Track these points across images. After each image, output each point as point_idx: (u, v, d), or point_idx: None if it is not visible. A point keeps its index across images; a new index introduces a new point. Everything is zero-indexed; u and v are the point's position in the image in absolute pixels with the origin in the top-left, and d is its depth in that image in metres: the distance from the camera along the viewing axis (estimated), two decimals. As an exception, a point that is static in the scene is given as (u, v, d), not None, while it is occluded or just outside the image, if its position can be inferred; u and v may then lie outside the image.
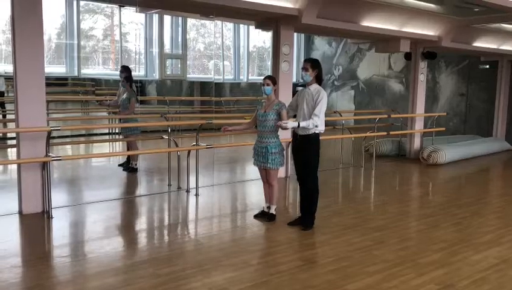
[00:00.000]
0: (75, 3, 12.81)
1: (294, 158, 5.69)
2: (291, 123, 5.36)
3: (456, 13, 9.44)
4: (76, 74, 13.28)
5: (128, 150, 8.52)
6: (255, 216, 5.98)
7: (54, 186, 6.00)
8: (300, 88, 7.57)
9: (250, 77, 17.17)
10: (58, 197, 6.36)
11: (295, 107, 5.62)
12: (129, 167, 8.43)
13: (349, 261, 4.63)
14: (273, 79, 5.71)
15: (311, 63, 5.40)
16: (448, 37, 10.27)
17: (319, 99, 5.28)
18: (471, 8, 8.95)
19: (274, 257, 4.77)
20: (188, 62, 15.68)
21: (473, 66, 14.20)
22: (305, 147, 5.45)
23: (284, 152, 5.86)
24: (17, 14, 5.45)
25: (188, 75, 15.62)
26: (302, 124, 5.30)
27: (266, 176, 5.77)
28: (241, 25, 15.85)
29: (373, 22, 8.92)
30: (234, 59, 17.13)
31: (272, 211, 5.88)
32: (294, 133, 5.62)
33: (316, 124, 5.27)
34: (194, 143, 7.18)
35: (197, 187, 7.02)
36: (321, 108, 5.27)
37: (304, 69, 5.39)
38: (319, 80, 5.42)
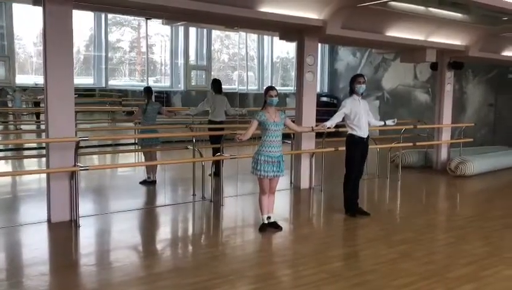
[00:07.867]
0: (103, 16, 13.11)
1: (360, 158, 6.51)
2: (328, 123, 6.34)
3: (483, 22, 9.29)
4: (103, 85, 13.56)
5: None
6: (261, 230, 5.75)
7: (81, 196, 6.10)
8: (333, 99, 7.90)
9: (274, 88, 17.21)
10: (85, 206, 6.46)
11: (352, 116, 6.40)
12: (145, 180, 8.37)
13: (374, 274, 4.56)
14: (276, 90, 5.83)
15: (364, 78, 6.51)
16: (476, 47, 10.09)
17: (368, 107, 6.62)
18: (499, 17, 8.82)
19: (298, 269, 4.73)
20: (212, 73, 15.85)
21: (502, 75, 13.90)
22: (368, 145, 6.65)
23: None
24: (48, 28, 5.60)
25: (212, 86, 15.77)
26: (380, 123, 7.05)
27: (272, 186, 5.70)
28: (265, 36, 15.93)
29: (398, 32, 8.83)
30: (258, 70, 17.22)
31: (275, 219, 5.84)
32: (361, 138, 6.44)
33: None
34: (219, 153, 7.21)
35: (221, 197, 7.04)
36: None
37: (363, 82, 6.40)
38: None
